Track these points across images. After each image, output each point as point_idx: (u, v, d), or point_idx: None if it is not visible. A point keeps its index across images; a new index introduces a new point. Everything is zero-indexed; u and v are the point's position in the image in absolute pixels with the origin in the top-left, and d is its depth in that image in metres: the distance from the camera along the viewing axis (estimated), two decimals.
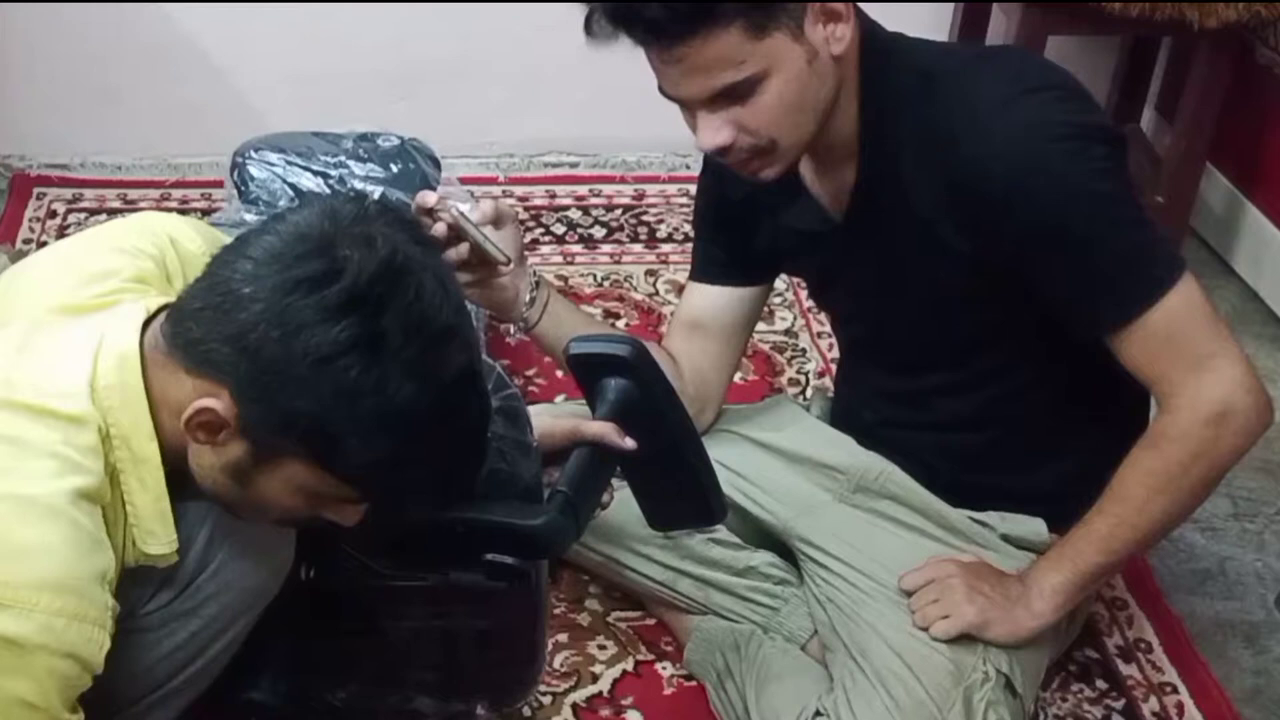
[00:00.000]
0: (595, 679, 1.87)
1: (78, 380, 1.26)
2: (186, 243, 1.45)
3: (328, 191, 2.26)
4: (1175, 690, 1.92)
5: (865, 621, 1.70)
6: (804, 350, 2.54)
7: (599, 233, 2.86)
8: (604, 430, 1.62)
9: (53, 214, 2.81)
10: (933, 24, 2.91)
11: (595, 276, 2.71)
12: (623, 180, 3.02)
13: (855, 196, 1.65)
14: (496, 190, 2.94)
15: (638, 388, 1.64)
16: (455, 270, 1.59)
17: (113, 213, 2.80)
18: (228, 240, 1.33)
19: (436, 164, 2.48)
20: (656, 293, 2.67)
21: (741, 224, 1.78)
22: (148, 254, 1.41)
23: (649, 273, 2.73)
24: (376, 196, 1.34)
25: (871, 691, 1.64)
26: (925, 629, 1.66)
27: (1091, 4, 2.52)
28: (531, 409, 1.65)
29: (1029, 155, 1.50)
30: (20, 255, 2.50)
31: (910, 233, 1.61)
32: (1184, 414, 1.58)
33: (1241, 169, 2.85)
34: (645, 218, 2.91)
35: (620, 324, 2.58)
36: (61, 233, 2.73)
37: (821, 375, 2.44)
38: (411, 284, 1.23)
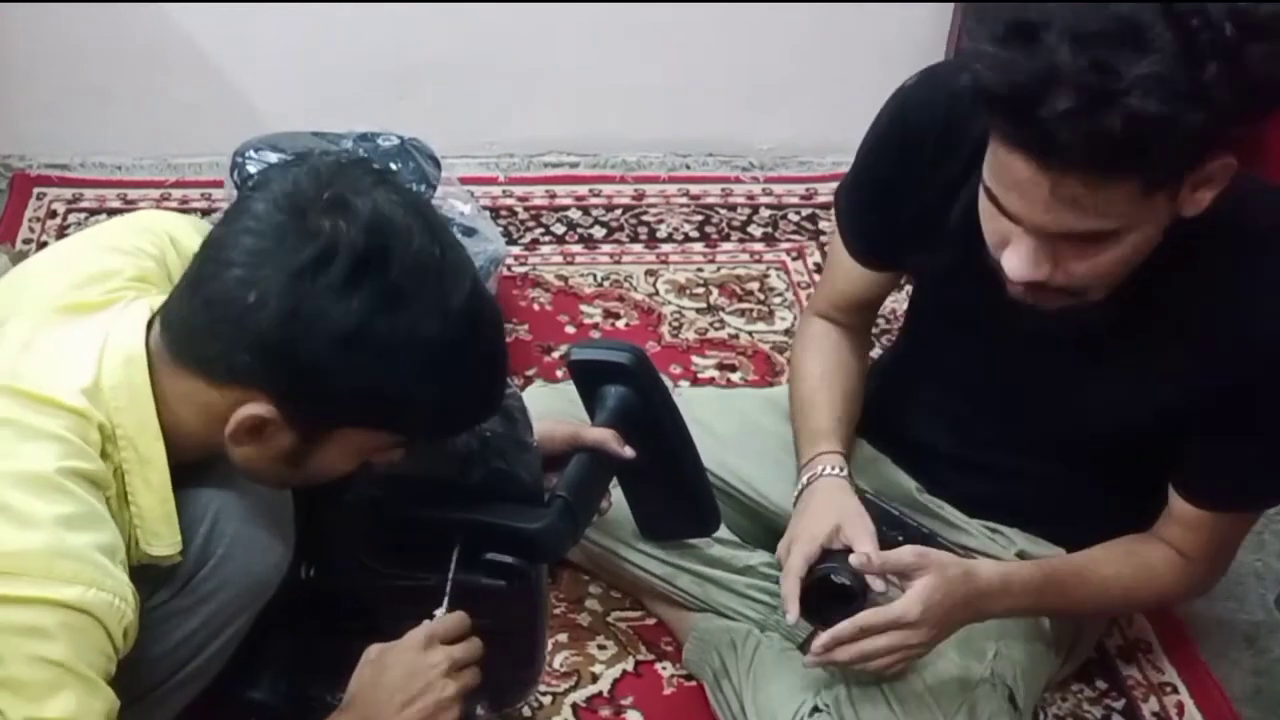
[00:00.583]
0: (595, 679, 1.87)
1: (83, 379, 1.26)
2: (186, 241, 1.45)
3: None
4: (1175, 690, 1.92)
5: None
6: None
7: (599, 233, 2.86)
8: (603, 437, 1.63)
9: (53, 214, 2.81)
10: (933, 24, 2.91)
11: (595, 276, 2.71)
12: (623, 180, 3.02)
13: (1081, 313, 1.47)
14: (496, 190, 2.94)
15: (637, 396, 1.65)
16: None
17: (113, 213, 2.80)
18: None
19: (436, 164, 2.48)
20: (656, 293, 2.67)
21: (906, 223, 1.64)
22: (148, 253, 1.42)
23: (649, 273, 2.73)
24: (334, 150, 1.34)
25: (875, 690, 1.64)
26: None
27: None
28: (534, 407, 1.65)
29: None
30: (21, 255, 2.50)
31: (1117, 362, 1.54)
32: (1183, 574, 1.64)
33: (1241, 169, 2.84)
34: (645, 218, 2.91)
35: (620, 324, 2.58)
36: (61, 233, 2.73)
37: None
38: (401, 230, 1.25)
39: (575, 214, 2.91)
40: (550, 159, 3.06)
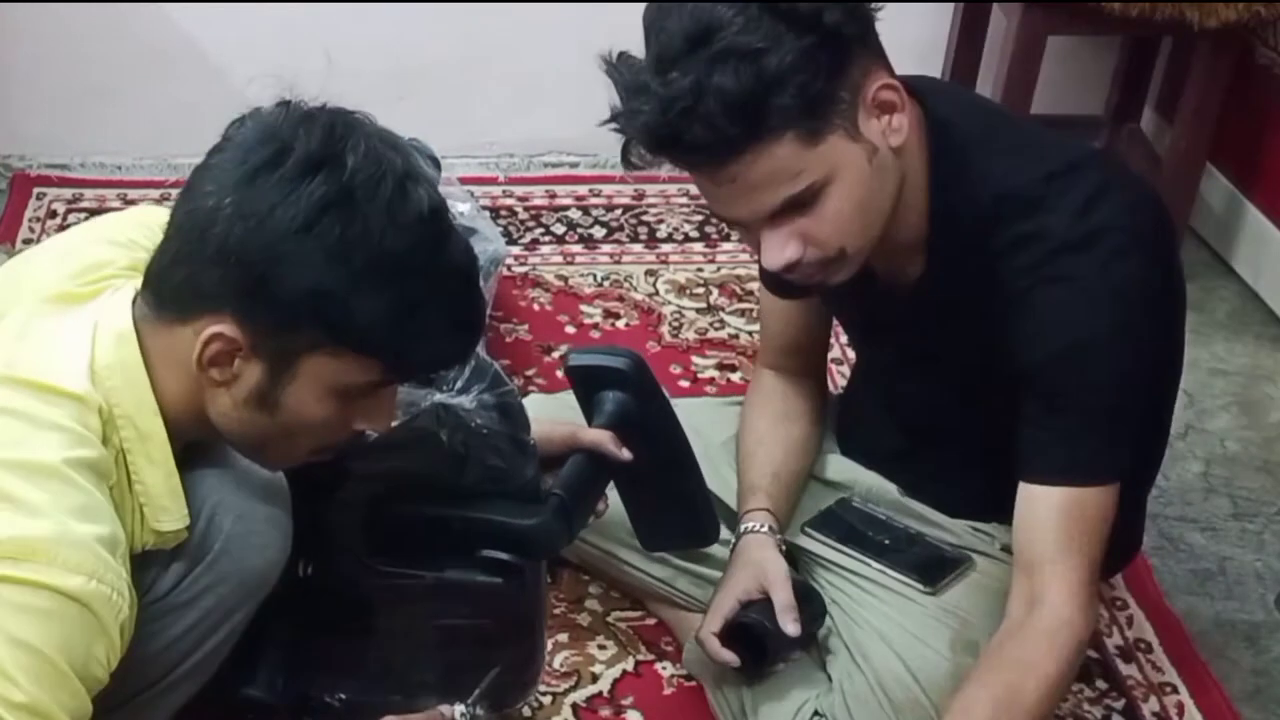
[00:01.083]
0: (595, 679, 1.87)
1: (78, 363, 1.27)
2: None
3: None
4: (1175, 690, 1.92)
5: (868, 623, 1.71)
6: None
7: (599, 233, 2.86)
8: (601, 438, 1.63)
9: (53, 214, 2.81)
10: (933, 24, 2.91)
11: (595, 276, 2.71)
12: (623, 180, 3.02)
13: (914, 289, 1.61)
14: (496, 190, 2.94)
15: (635, 401, 1.66)
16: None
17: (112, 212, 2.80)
18: None
19: (436, 164, 2.48)
20: (656, 293, 2.67)
21: None
22: (141, 245, 1.42)
23: (649, 273, 2.73)
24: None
25: (870, 693, 1.64)
26: None
27: (1091, 4, 2.52)
28: (532, 414, 1.65)
29: (1095, 305, 1.48)
30: (21, 255, 2.50)
31: (956, 330, 1.60)
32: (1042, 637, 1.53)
33: (1241, 169, 2.85)
34: (645, 218, 2.91)
35: (620, 324, 2.58)
36: (61, 232, 2.73)
37: None
38: (361, 137, 1.27)
39: (575, 214, 2.91)
40: (550, 159, 3.06)
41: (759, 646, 1.67)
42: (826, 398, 1.94)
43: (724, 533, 1.84)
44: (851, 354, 2.42)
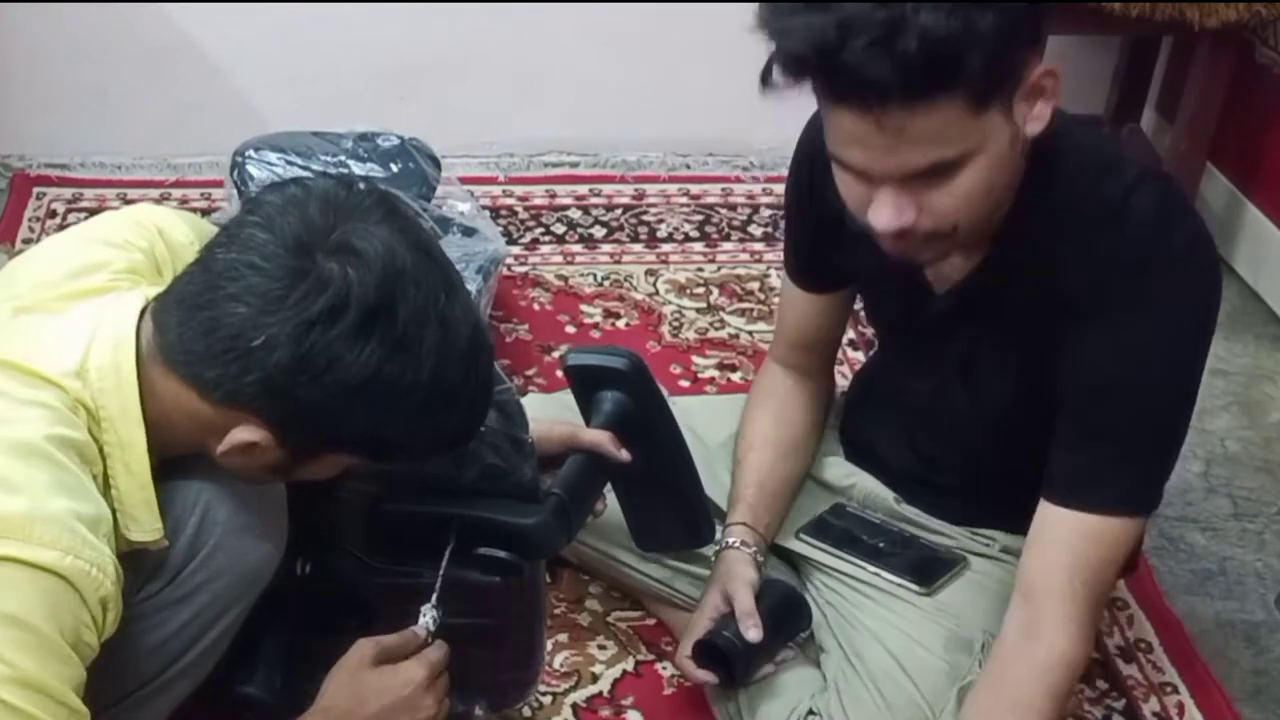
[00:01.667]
0: (595, 679, 1.87)
1: (68, 358, 1.28)
2: (174, 233, 1.47)
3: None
4: (1175, 690, 1.92)
5: (862, 624, 1.71)
6: None
7: (599, 232, 2.86)
8: (600, 439, 1.64)
9: (52, 214, 2.81)
10: None
11: (595, 276, 2.71)
12: (623, 180, 3.02)
13: (973, 280, 1.56)
14: (496, 190, 2.94)
15: (633, 401, 1.66)
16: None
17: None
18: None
19: (436, 164, 2.48)
20: (656, 292, 2.67)
21: (830, 239, 1.65)
22: (137, 246, 1.43)
23: (649, 272, 2.73)
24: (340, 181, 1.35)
25: (864, 692, 1.64)
26: None
27: (1091, 4, 2.52)
28: (531, 414, 1.65)
29: (1161, 336, 1.47)
30: (19, 255, 2.50)
31: (1002, 334, 1.58)
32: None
33: (1241, 169, 2.85)
34: (645, 217, 2.91)
35: (620, 324, 2.58)
36: (60, 232, 2.73)
37: None
38: (409, 277, 1.26)
39: (575, 214, 2.91)
40: (550, 159, 3.06)
41: (729, 663, 1.68)
42: (831, 400, 1.93)
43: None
44: (852, 355, 2.43)
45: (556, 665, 1.87)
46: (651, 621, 1.95)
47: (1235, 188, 2.85)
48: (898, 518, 1.82)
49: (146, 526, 1.33)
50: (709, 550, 1.82)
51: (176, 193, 2.88)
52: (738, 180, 3.03)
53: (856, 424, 1.91)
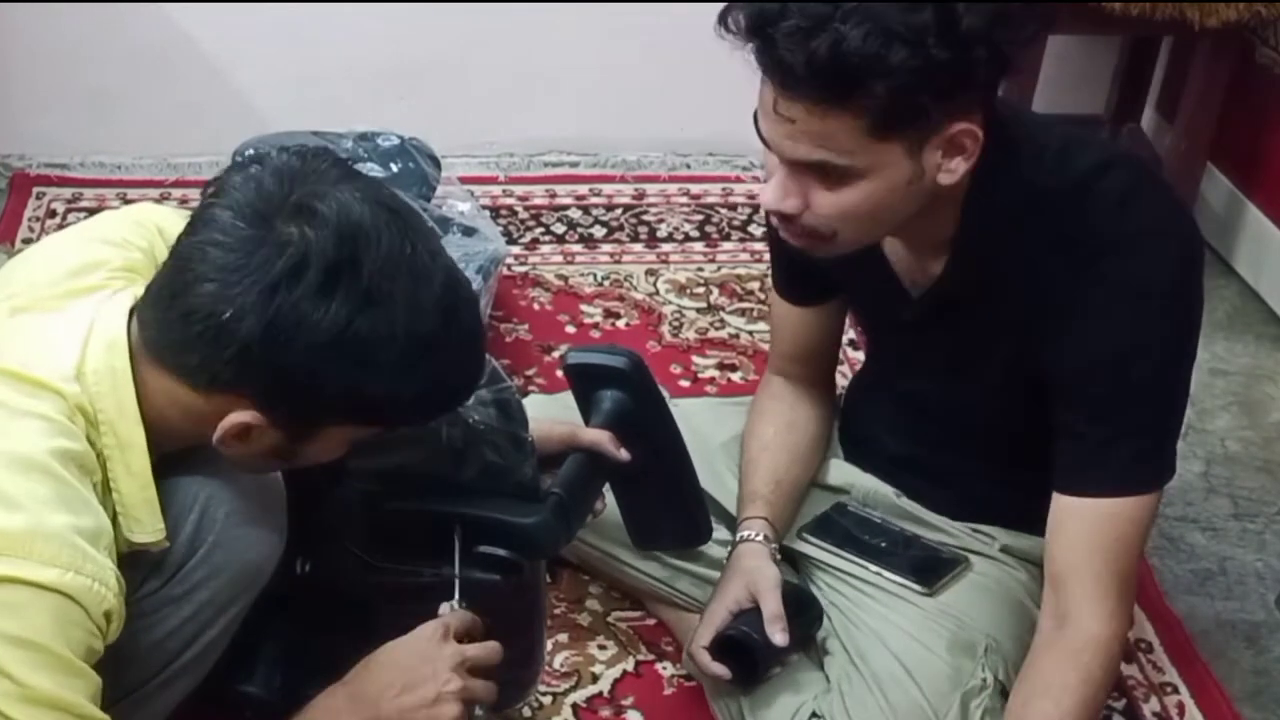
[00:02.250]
0: (595, 679, 1.87)
1: (66, 362, 1.28)
2: (174, 232, 1.45)
3: None
4: (1176, 690, 1.92)
5: (866, 625, 1.71)
6: None
7: (599, 232, 2.86)
8: (600, 438, 1.64)
9: (52, 214, 2.81)
10: None
11: (595, 276, 2.71)
12: (623, 180, 3.02)
13: (935, 287, 1.60)
14: (496, 190, 2.94)
15: (633, 401, 1.66)
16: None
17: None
18: None
19: (436, 164, 2.48)
20: (656, 292, 2.67)
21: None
22: (136, 245, 1.43)
23: (649, 272, 2.73)
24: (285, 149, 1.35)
25: (868, 694, 1.64)
26: None
27: (1091, 4, 2.52)
28: (531, 415, 1.65)
29: (1138, 309, 1.48)
30: (18, 254, 2.50)
31: (981, 330, 1.60)
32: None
33: (1241, 169, 2.85)
34: (645, 217, 2.91)
35: (620, 324, 2.58)
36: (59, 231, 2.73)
37: None
38: (370, 230, 1.25)
39: (575, 213, 2.91)
40: (550, 159, 3.06)
41: (749, 658, 1.67)
42: (834, 405, 1.94)
43: (723, 534, 1.84)
44: (853, 354, 2.43)
45: (556, 665, 1.87)
46: (651, 621, 1.95)
47: (1235, 188, 2.85)
48: (899, 514, 1.81)
49: (149, 527, 1.33)
50: (711, 550, 1.82)
51: (176, 193, 2.88)
52: (738, 180, 3.03)
53: (855, 419, 1.91)
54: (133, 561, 1.32)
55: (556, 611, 1.94)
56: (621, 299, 2.64)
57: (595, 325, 2.57)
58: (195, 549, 1.40)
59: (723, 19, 1.42)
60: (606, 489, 1.75)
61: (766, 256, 2.75)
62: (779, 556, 1.74)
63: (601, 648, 1.91)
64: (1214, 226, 2.88)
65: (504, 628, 1.57)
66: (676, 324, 2.58)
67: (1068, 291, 1.50)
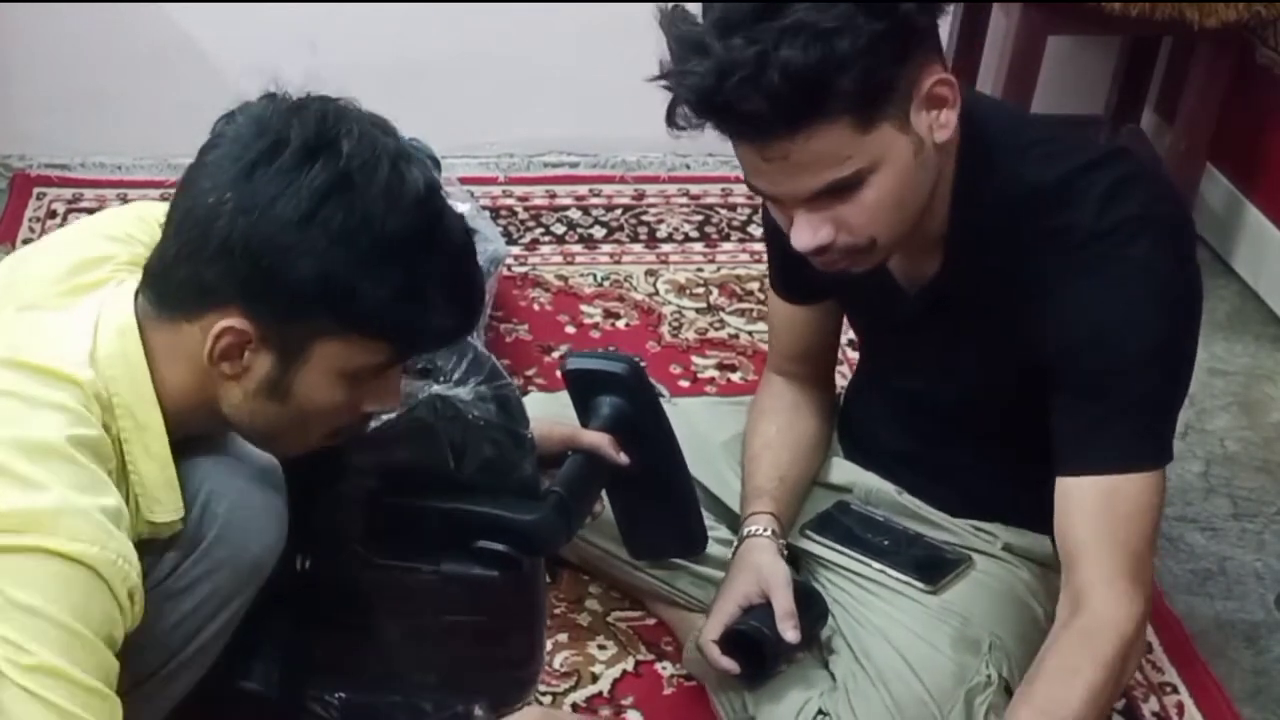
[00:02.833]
0: (595, 679, 1.87)
1: (79, 351, 1.29)
2: None
3: None
4: (1175, 690, 1.92)
5: (870, 623, 1.71)
6: None
7: (599, 233, 2.86)
8: (600, 441, 1.64)
9: (53, 214, 2.81)
10: None
11: (595, 276, 2.71)
12: (623, 180, 3.02)
13: (931, 285, 1.60)
14: (496, 190, 2.94)
15: (631, 407, 1.66)
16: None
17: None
18: None
19: (436, 164, 2.47)
20: (656, 293, 2.67)
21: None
22: (140, 240, 1.43)
23: (649, 273, 2.73)
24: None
25: (872, 690, 1.64)
26: None
27: (1091, 4, 2.52)
28: (531, 414, 1.65)
29: (1127, 286, 1.48)
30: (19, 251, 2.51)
31: (978, 326, 1.60)
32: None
33: (1241, 169, 2.85)
34: (645, 218, 2.91)
35: (620, 324, 2.58)
36: None
37: None
38: (352, 122, 1.28)
39: (575, 214, 2.91)
40: (550, 159, 3.06)
41: (758, 653, 1.66)
42: (834, 404, 1.94)
43: (724, 533, 1.84)
44: (852, 354, 2.43)
45: (556, 665, 1.87)
46: (651, 621, 1.95)
47: (1235, 188, 2.85)
48: (900, 512, 1.81)
49: (169, 506, 1.34)
50: (711, 549, 1.82)
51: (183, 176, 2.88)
52: (738, 180, 3.00)
53: (853, 418, 1.91)
54: (137, 554, 1.32)
55: (556, 611, 1.94)
56: (621, 299, 2.64)
57: (595, 326, 2.57)
58: (197, 543, 1.40)
59: (671, 121, 1.43)
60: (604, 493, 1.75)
61: (766, 256, 2.77)
62: (786, 552, 1.74)
63: (601, 648, 1.92)
64: (1213, 227, 2.88)
65: (504, 626, 1.57)
66: (676, 324, 2.58)
67: (1056, 277, 1.50)
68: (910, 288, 1.63)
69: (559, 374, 1.76)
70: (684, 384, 2.43)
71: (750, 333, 2.56)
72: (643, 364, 1.79)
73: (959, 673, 1.64)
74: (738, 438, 1.89)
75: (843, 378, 2.18)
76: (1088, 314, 1.49)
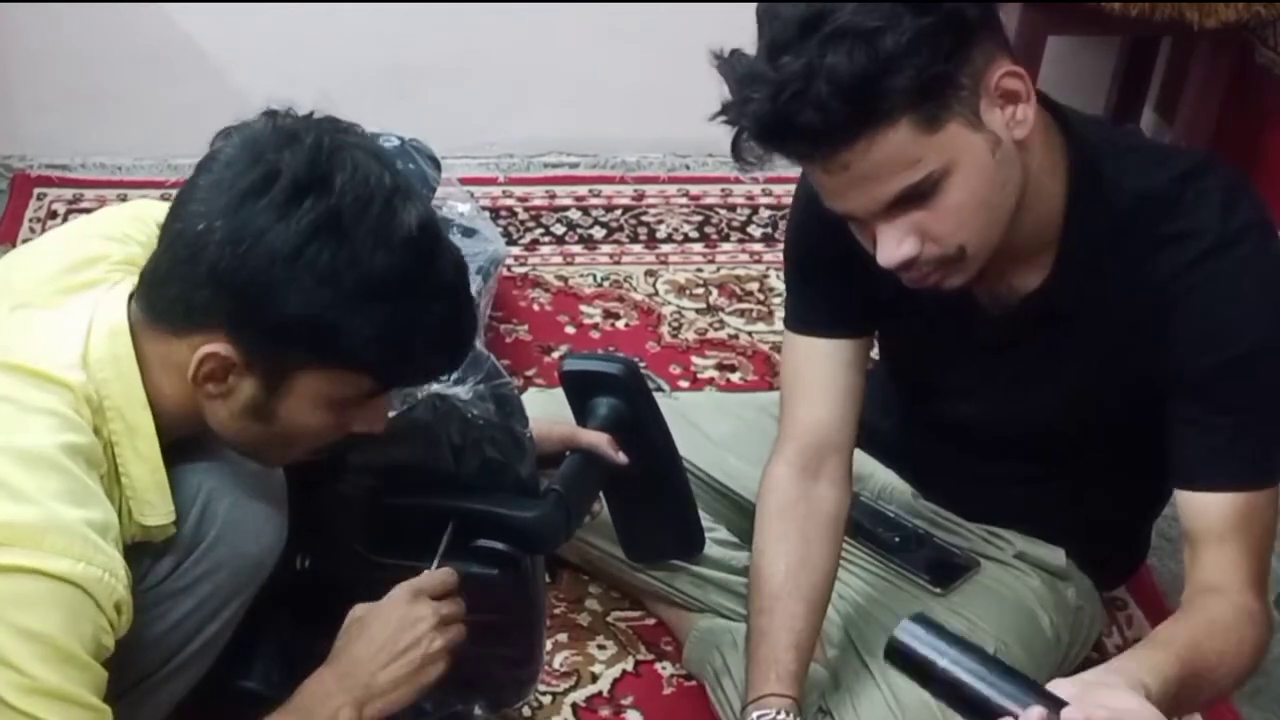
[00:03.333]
0: (595, 679, 1.87)
1: (71, 353, 1.29)
2: None
3: None
4: None
5: (875, 620, 1.71)
6: None
7: (599, 233, 2.86)
8: (599, 440, 1.64)
9: (53, 214, 2.81)
10: None
11: (595, 276, 2.71)
12: (623, 180, 3.02)
13: (1034, 300, 1.53)
14: (496, 190, 2.94)
15: (628, 408, 1.67)
16: None
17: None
18: None
19: (436, 164, 2.48)
20: (656, 293, 2.67)
21: (848, 276, 1.58)
22: (136, 240, 1.43)
23: (649, 273, 2.73)
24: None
25: (876, 692, 1.64)
26: None
27: (1091, 4, 2.52)
28: (529, 412, 1.65)
29: (1261, 299, 1.44)
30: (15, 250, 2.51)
31: (1081, 340, 1.54)
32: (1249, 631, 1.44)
33: (1241, 169, 2.84)
34: (645, 218, 2.91)
35: (620, 324, 2.58)
36: None
37: None
38: (346, 158, 1.27)
39: (575, 214, 2.91)
40: (550, 159, 3.06)
41: None
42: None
43: (723, 534, 1.85)
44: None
45: (556, 665, 1.87)
46: (651, 621, 1.95)
47: None
48: (913, 513, 1.81)
49: (160, 510, 1.34)
50: (711, 549, 1.82)
51: (175, 195, 2.88)
52: (737, 181, 3.03)
53: (874, 417, 1.80)
54: (135, 555, 1.32)
55: (556, 611, 1.94)
56: (621, 300, 2.64)
57: (595, 326, 2.57)
58: (197, 543, 1.40)
59: (738, 156, 1.39)
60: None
61: (766, 257, 2.78)
62: None
63: (601, 647, 1.92)
64: None
65: (503, 625, 1.58)
66: (676, 324, 2.58)
67: (1184, 288, 1.45)
68: (994, 308, 1.56)
69: (557, 375, 1.76)
70: (684, 384, 2.42)
71: (750, 333, 2.56)
72: (641, 364, 1.80)
73: None
74: (736, 433, 1.89)
75: None
76: (1230, 331, 1.45)
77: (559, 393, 1.77)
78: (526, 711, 1.80)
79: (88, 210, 2.80)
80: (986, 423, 1.68)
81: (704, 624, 1.84)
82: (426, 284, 1.30)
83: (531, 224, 2.87)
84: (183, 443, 1.37)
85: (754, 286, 2.69)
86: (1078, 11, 2.56)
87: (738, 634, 1.78)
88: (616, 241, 2.83)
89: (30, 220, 2.78)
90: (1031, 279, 1.53)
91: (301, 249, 1.24)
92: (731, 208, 2.95)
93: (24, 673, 1.16)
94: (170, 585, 1.40)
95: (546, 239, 2.83)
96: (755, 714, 1.56)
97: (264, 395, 1.31)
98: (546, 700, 1.83)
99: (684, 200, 2.96)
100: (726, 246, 2.83)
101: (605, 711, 1.83)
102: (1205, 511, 1.48)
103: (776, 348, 2.52)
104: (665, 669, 1.89)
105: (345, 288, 1.25)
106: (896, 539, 1.78)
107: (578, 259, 2.77)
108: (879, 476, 1.85)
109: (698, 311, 2.62)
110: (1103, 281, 1.50)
